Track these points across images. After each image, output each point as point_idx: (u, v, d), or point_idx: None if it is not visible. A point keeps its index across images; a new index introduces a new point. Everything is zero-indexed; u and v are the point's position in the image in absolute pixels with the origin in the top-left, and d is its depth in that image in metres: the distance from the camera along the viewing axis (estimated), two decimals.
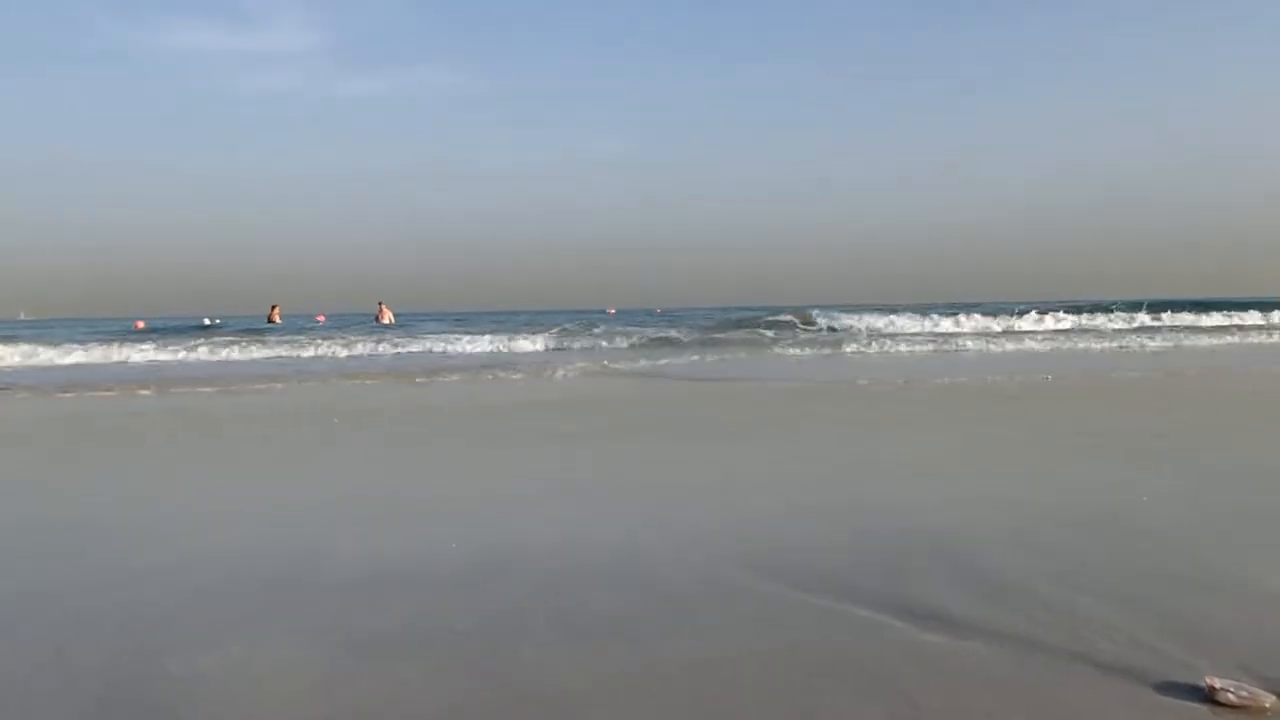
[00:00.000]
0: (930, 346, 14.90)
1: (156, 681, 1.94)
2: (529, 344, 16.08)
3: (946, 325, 21.14)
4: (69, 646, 2.15)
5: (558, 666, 1.97)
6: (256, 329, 22.10)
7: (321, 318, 26.08)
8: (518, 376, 10.08)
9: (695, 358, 13.35)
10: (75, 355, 13.57)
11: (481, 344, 15.94)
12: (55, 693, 1.91)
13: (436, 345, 15.70)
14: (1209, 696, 1.73)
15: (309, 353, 14.69)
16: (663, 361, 12.45)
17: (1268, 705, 1.70)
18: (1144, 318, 23.53)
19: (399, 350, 15.08)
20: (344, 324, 24.30)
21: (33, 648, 2.15)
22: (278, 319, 25.25)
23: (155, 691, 1.90)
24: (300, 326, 22.60)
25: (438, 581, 2.62)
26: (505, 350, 15.35)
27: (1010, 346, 14.98)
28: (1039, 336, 17.51)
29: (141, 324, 28.11)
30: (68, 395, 8.44)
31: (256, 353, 14.56)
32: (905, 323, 21.30)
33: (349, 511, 3.61)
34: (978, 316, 22.10)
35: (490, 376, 10.18)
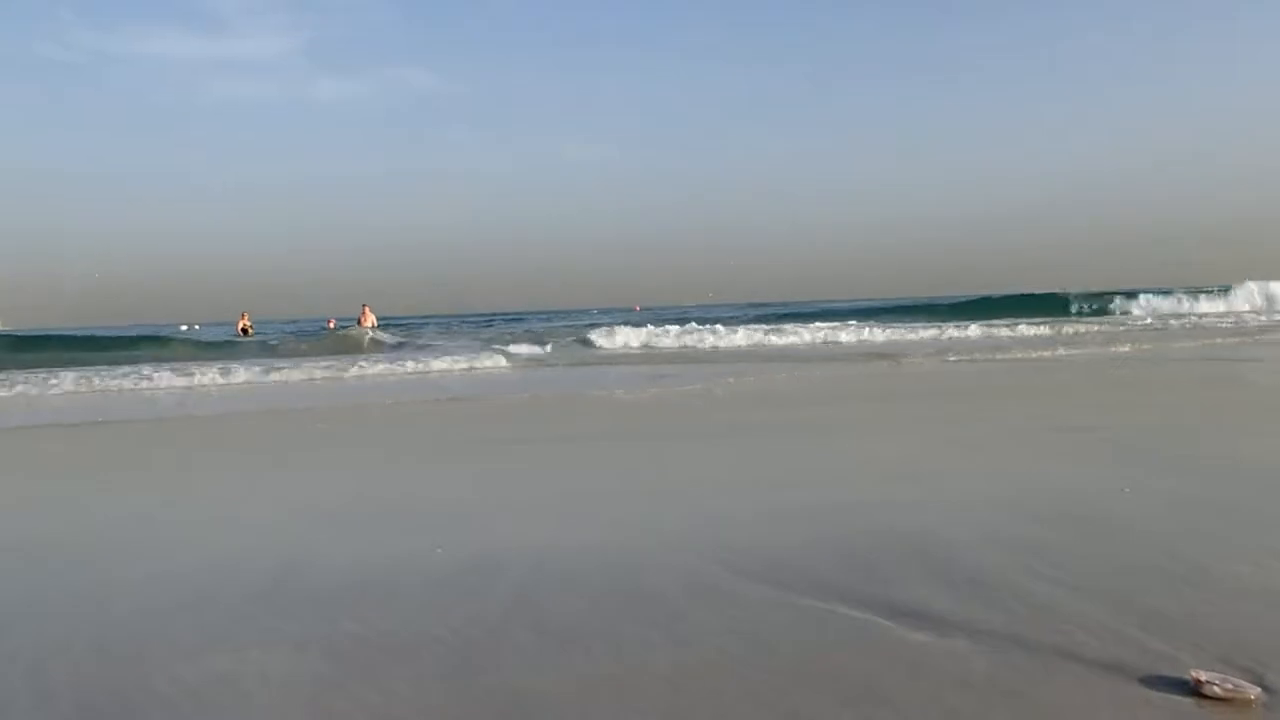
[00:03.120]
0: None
1: (137, 695, 1.91)
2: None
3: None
4: (47, 661, 2.11)
5: (541, 672, 1.96)
6: (231, 339, 21.87)
7: (331, 323, 25.57)
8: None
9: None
10: None
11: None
12: (33, 708, 1.87)
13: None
14: (1194, 690, 1.74)
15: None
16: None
17: (1252, 697, 1.71)
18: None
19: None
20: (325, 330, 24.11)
21: (9, 663, 2.11)
22: (247, 325, 24.69)
23: (136, 705, 1.87)
24: (266, 336, 22.31)
25: (420, 588, 2.60)
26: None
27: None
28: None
29: None
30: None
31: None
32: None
33: (331, 520, 3.58)
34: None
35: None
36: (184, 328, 28.55)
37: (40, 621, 2.42)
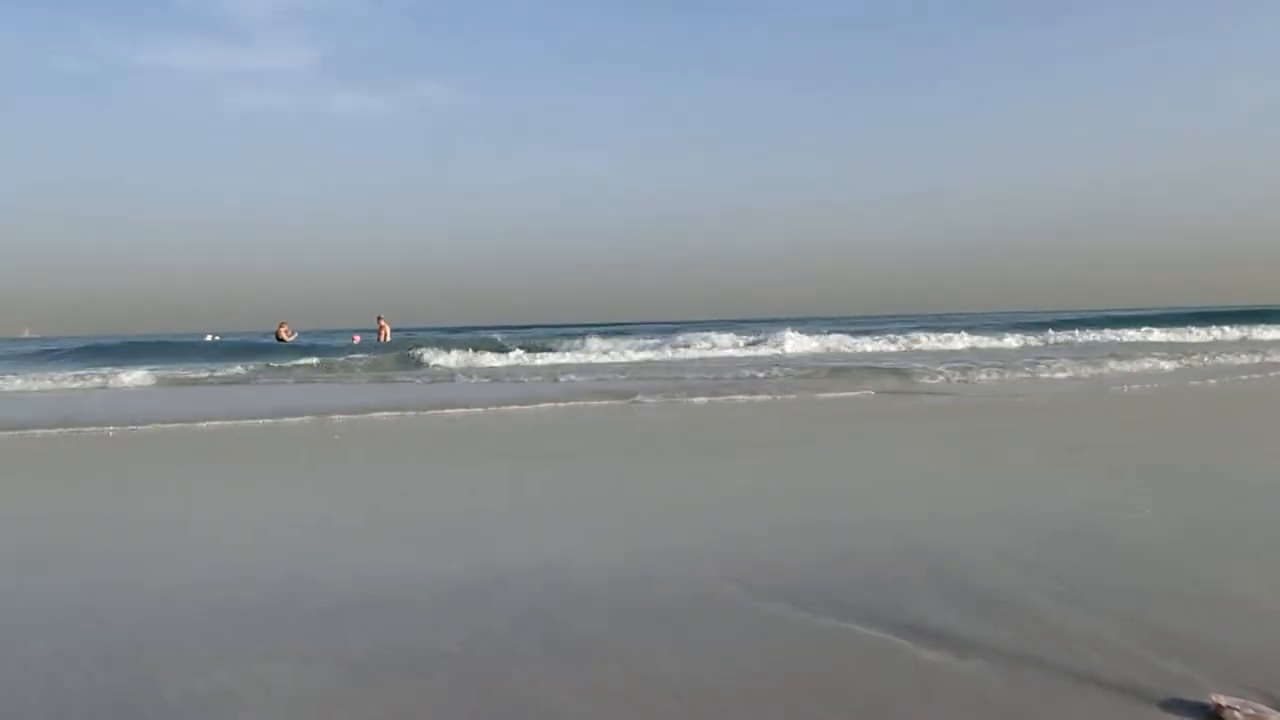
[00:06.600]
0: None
1: (147, 709, 1.91)
2: None
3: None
4: (59, 671, 2.12)
5: (549, 688, 1.95)
6: (265, 346, 22.10)
7: (357, 338, 25.36)
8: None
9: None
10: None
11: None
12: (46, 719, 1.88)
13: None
14: (1214, 715, 1.71)
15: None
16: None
17: None
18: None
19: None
20: (342, 342, 24.18)
21: (23, 673, 2.13)
22: (286, 337, 24.88)
23: (146, 717, 1.87)
24: (309, 344, 22.45)
25: (431, 602, 2.59)
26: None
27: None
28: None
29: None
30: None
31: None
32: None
33: (340, 533, 3.59)
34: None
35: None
36: (209, 338, 28.70)
37: (53, 631, 2.43)
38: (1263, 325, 23.74)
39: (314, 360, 15.87)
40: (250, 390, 12.11)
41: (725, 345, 19.89)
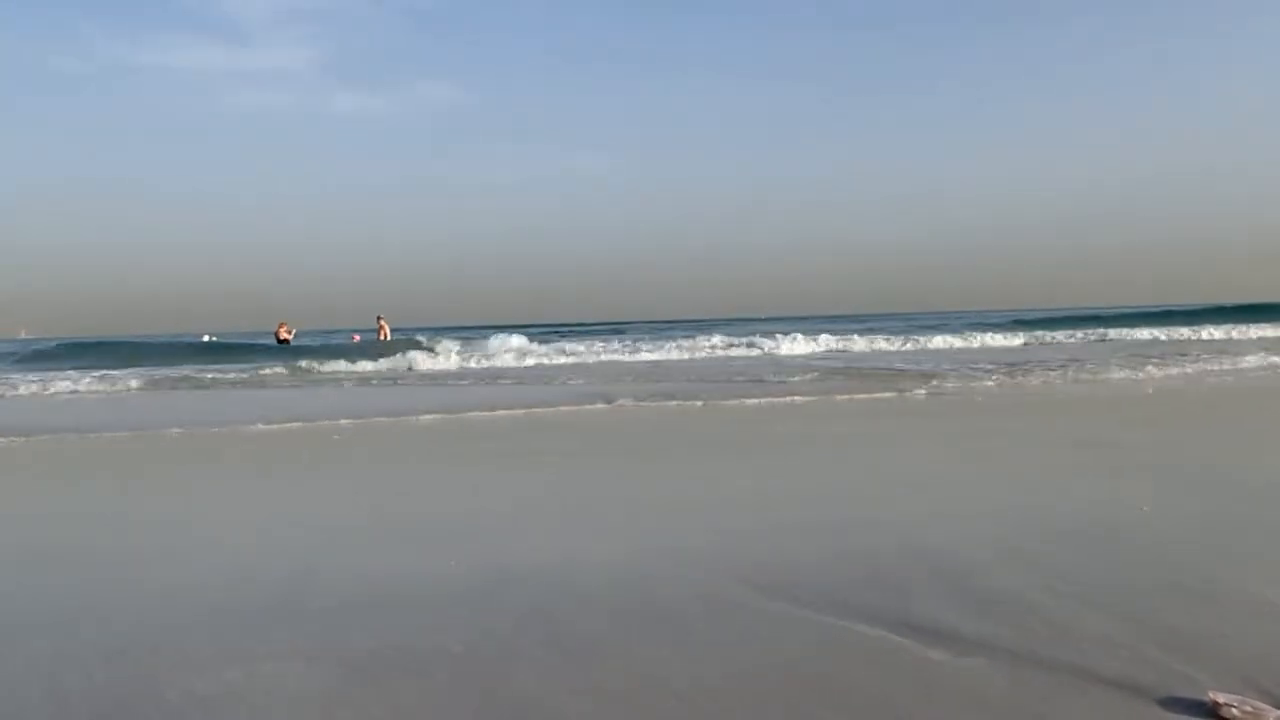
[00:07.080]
0: None
1: (149, 708, 1.92)
2: None
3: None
4: (62, 671, 2.13)
5: (551, 687, 1.95)
6: (263, 347, 22.06)
7: (356, 338, 25.17)
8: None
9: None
10: None
11: None
12: (49, 718, 1.88)
13: None
14: (1212, 711, 1.72)
15: None
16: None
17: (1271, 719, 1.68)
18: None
19: None
20: (340, 341, 24.13)
21: (27, 672, 2.13)
22: (286, 336, 24.73)
23: (148, 717, 1.87)
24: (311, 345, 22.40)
25: (433, 602, 2.60)
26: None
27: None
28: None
29: None
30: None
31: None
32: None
33: (342, 533, 3.59)
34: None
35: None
36: (206, 338, 28.69)
37: (55, 630, 2.44)
38: (1266, 322, 23.86)
39: (341, 365, 15.67)
40: (248, 391, 12.12)
41: (724, 345, 19.90)
